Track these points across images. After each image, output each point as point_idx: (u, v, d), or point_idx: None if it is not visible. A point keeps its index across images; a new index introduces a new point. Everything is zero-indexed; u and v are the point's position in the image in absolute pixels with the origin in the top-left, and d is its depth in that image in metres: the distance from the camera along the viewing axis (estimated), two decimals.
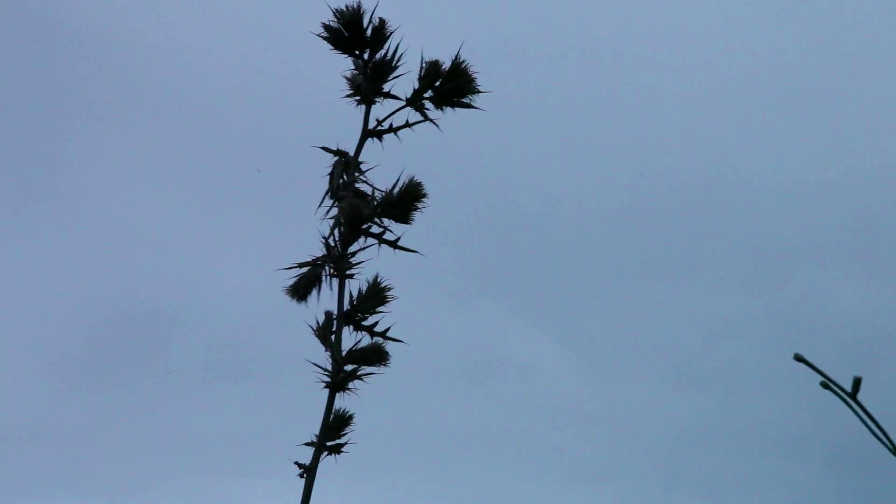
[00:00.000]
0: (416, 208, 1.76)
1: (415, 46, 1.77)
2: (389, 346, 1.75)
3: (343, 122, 1.78)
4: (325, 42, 1.77)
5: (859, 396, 1.09)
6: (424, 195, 1.76)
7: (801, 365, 1.10)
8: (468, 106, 1.77)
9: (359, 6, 1.76)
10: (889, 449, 1.07)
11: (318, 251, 1.76)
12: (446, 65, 1.77)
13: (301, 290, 1.72)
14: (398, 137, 1.78)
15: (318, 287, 1.73)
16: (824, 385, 1.08)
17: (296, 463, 1.70)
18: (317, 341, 1.77)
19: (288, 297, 1.72)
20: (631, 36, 5.84)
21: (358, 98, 1.78)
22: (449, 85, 1.77)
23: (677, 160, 5.78)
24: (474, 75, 1.76)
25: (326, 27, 1.77)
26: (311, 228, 1.76)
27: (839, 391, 1.07)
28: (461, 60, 1.76)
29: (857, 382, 1.07)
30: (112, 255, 5.49)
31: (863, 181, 5.66)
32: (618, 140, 5.80)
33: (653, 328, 5.66)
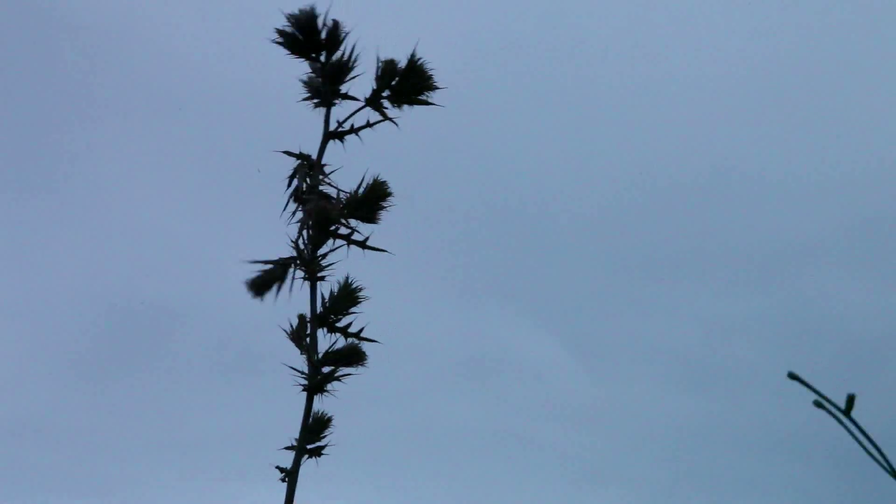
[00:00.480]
0: (382, 207, 1.76)
1: (371, 46, 1.77)
2: (370, 348, 1.77)
3: (304, 125, 1.79)
4: (281, 47, 1.77)
5: (853, 414, 1.10)
6: (389, 194, 1.76)
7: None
8: (426, 103, 1.77)
9: (312, 9, 1.75)
10: (886, 469, 1.08)
11: (290, 254, 1.76)
12: (402, 63, 1.77)
13: (260, 286, 1.72)
14: (360, 138, 1.78)
15: (278, 287, 1.73)
16: (818, 404, 1.09)
17: (277, 467, 1.71)
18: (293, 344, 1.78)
19: (246, 291, 1.72)
20: (630, 29, 5.82)
21: (317, 101, 1.79)
22: (406, 83, 1.77)
23: (679, 160, 5.78)
24: (431, 72, 1.76)
25: (281, 32, 1.76)
26: (281, 232, 1.77)
27: (833, 410, 1.08)
28: (417, 58, 1.76)
29: (850, 400, 1.08)
30: (114, 251, 5.45)
31: (867, 181, 5.67)
32: (619, 139, 5.79)
33: (655, 329, 5.67)
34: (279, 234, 1.71)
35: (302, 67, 1.77)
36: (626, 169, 5.78)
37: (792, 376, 1.03)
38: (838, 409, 1.04)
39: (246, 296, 1.70)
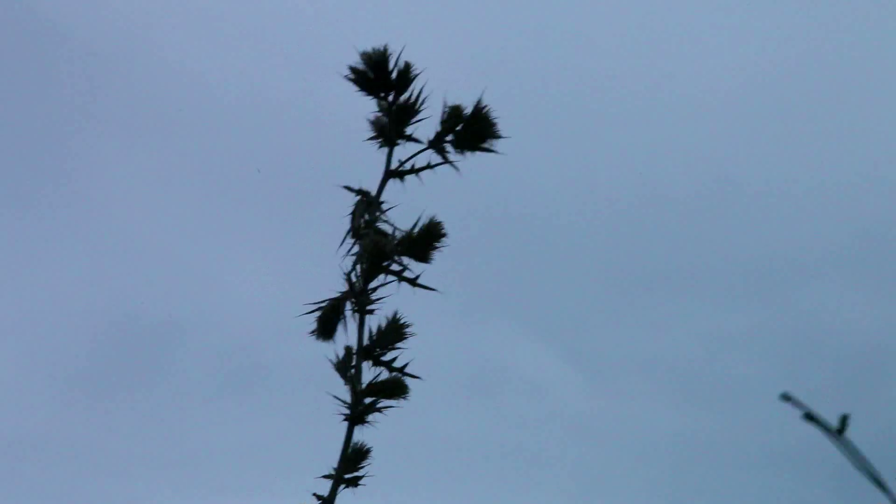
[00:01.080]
0: (436, 248, 1.79)
1: (438, 90, 1.80)
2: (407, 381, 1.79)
3: (366, 161, 1.82)
4: (351, 84, 1.81)
5: (846, 433, 1.11)
6: (444, 234, 1.79)
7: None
8: (489, 150, 1.81)
9: (385, 49, 1.79)
10: (876, 483, 1.09)
11: (336, 284, 1.79)
12: (468, 109, 1.80)
13: (327, 330, 1.75)
14: (420, 179, 1.82)
15: (342, 322, 1.77)
16: (808, 417, 1.10)
17: (314, 494, 1.73)
18: (330, 369, 1.80)
19: (315, 339, 1.75)
20: (629, 43, 5.88)
21: (381, 140, 1.82)
22: (470, 129, 1.81)
23: (680, 175, 5.82)
24: (495, 120, 1.81)
25: (353, 69, 1.80)
26: (329, 261, 1.79)
27: (826, 428, 1.09)
28: (483, 105, 1.80)
29: (843, 420, 1.09)
30: (117, 265, 5.48)
31: (867, 194, 5.69)
32: (620, 154, 5.83)
33: (655, 342, 5.66)
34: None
35: (369, 105, 1.81)
36: (626, 183, 5.82)
37: (785, 398, 1.04)
38: (830, 429, 1.05)
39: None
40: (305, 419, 1.75)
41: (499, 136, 1.78)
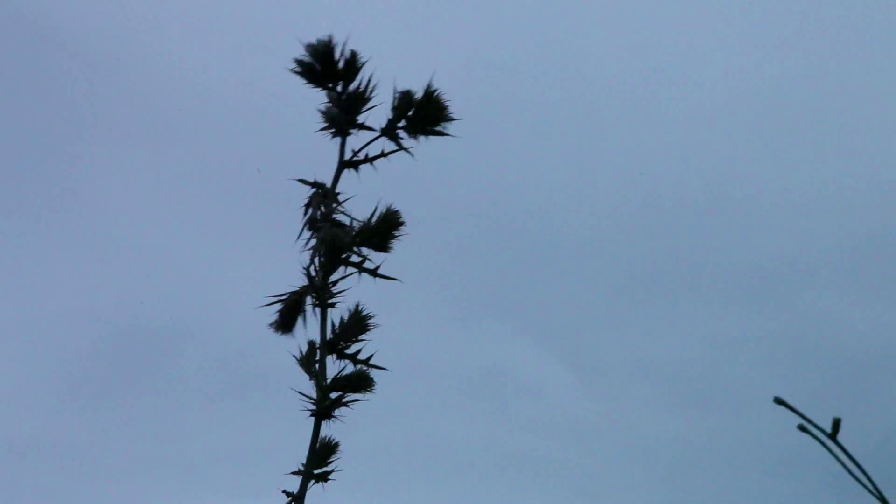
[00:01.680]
0: (395, 237, 1.76)
1: (387, 77, 1.78)
2: (377, 373, 1.77)
3: (319, 153, 1.80)
4: (299, 76, 1.79)
5: (839, 437, 1.09)
6: (402, 223, 1.76)
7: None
8: (442, 133, 1.78)
9: (330, 39, 1.77)
10: (871, 492, 1.07)
11: (300, 280, 1.78)
12: (419, 94, 1.78)
13: (285, 322, 1.74)
14: (374, 167, 1.79)
15: (302, 316, 1.75)
16: (802, 428, 1.09)
17: (284, 491, 1.71)
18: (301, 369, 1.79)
19: (274, 332, 1.74)
20: (632, 51, 5.84)
21: (333, 130, 1.80)
22: (422, 114, 1.78)
23: (680, 178, 5.78)
24: (447, 103, 1.77)
25: (299, 62, 1.78)
26: (291, 258, 1.78)
27: (818, 434, 1.08)
28: (433, 89, 1.76)
29: (836, 424, 1.08)
30: (115, 270, 5.48)
31: (865, 199, 5.66)
32: (620, 158, 5.80)
33: (655, 346, 5.64)
34: (283, 255, 1.72)
35: (319, 97, 1.79)
36: (625, 187, 5.79)
37: (778, 401, 1.02)
38: (824, 432, 1.04)
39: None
40: (295, 419, 1.74)
41: (451, 119, 1.75)
